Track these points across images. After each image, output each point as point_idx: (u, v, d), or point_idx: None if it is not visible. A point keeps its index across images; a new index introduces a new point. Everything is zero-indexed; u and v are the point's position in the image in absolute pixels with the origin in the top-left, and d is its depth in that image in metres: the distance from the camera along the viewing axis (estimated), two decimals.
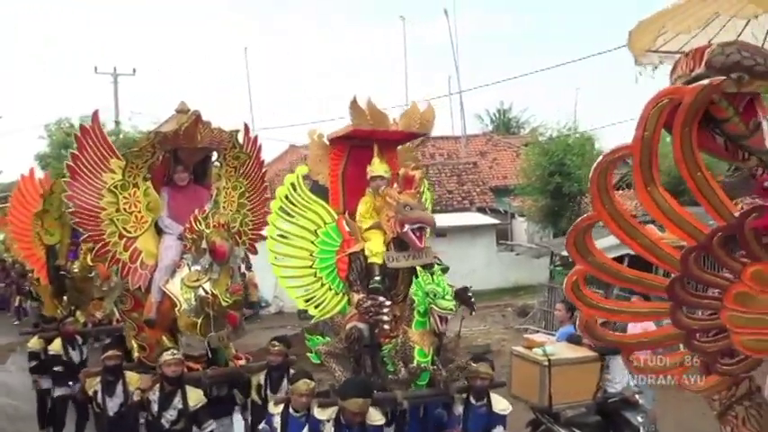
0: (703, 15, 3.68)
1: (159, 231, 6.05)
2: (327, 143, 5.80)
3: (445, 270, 5.16)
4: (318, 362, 5.45)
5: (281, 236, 5.29)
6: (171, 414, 5.27)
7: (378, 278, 5.09)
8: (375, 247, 5.18)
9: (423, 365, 4.80)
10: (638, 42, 3.83)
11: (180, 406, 5.29)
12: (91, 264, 7.28)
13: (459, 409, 5.03)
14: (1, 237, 15.06)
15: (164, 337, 5.86)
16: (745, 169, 2.73)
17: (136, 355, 6.09)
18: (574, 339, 5.79)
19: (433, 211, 5.79)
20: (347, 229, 5.39)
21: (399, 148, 6.02)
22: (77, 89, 51.67)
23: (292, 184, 5.29)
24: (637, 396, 5.80)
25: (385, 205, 5.22)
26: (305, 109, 56.78)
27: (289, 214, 5.29)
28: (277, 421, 4.88)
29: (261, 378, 5.87)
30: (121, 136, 21.40)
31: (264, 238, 5.60)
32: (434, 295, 4.73)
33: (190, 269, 5.71)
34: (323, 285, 5.30)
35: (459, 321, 5.14)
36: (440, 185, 20.41)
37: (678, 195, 2.53)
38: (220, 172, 6.50)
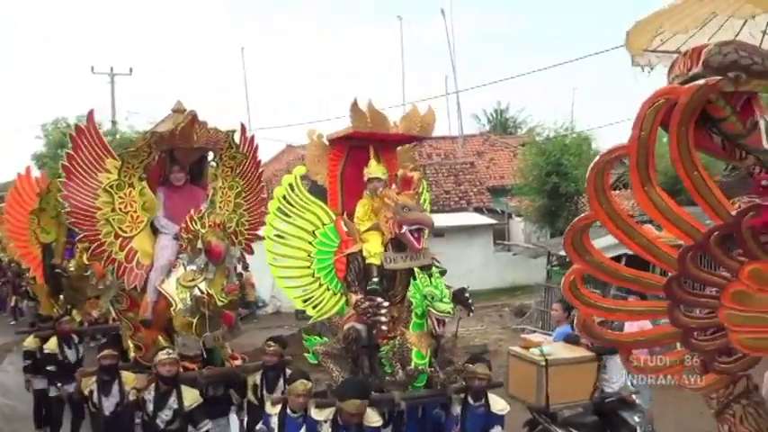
0: (701, 15, 3.69)
1: (155, 231, 6.04)
2: (327, 143, 5.79)
3: (443, 272, 5.15)
4: (316, 362, 5.44)
5: (279, 236, 5.27)
6: (166, 414, 5.27)
7: (376, 279, 5.08)
8: (373, 248, 5.18)
9: (420, 368, 4.80)
10: (636, 42, 3.84)
11: (175, 406, 5.28)
12: (87, 262, 7.26)
13: (456, 410, 5.02)
14: None
15: (159, 337, 5.87)
16: (742, 168, 2.73)
17: (132, 354, 6.09)
18: (571, 339, 5.79)
19: (431, 212, 5.79)
20: (345, 229, 5.38)
21: (399, 149, 6.02)
22: (74, 89, 51.43)
23: (290, 185, 5.28)
24: (634, 396, 5.81)
25: (383, 206, 5.22)
26: (304, 109, 56.80)
27: (287, 215, 5.27)
28: (274, 422, 4.87)
29: (257, 378, 5.88)
30: (118, 136, 21.42)
31: (261, 238, 5.60)
32: (432, 298, 4.71)
33: (185, 269, 5.72)
34: (321, 286, 5.28)
35: (457, 321, 5.12)
36: (437, 185, 20.44)
37: (675, 195, 2.53)
38: (217, 172, 6.49)
